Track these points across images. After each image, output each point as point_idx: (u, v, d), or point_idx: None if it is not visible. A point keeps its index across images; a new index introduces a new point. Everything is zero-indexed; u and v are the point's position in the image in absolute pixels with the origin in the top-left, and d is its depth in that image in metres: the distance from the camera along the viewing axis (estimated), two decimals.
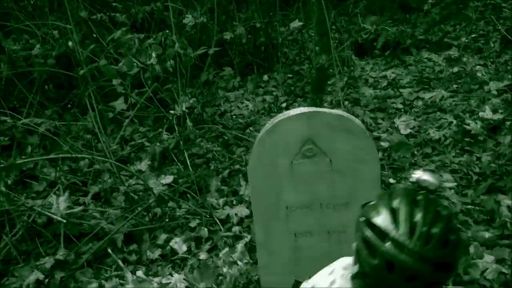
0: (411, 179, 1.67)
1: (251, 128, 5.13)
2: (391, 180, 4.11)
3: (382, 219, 1.45)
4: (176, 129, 4.65)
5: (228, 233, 3.60)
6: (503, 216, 3.46)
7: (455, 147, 4.45)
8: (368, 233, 1.46)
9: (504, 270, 2.93)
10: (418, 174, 1.61)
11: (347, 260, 1.70)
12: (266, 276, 2.81)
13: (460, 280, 2.92)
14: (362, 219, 1.52)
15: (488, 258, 3.03)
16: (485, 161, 4.13)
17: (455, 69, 5.89)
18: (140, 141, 4.82)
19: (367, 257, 1.46)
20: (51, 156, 4.12)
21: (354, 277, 1.57)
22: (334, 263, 1.78)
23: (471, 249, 3.10)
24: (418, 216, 1.43)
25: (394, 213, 1.45)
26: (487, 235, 3.29)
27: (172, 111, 4.72)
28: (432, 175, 1.62)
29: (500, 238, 3.28)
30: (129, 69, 4.64)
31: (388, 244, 1.41)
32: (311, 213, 2.63)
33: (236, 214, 3.80)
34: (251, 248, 3.28)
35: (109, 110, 5.23)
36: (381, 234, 1.44)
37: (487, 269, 2.95)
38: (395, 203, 1.48)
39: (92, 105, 4.53)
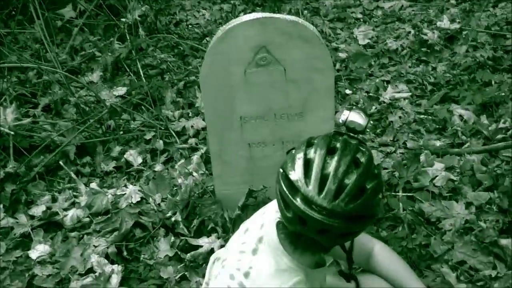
0: (337, 120, 1.63)
1: (208, 38, 4.97)
2: (347, 91, 4.10)
3: (295, 173, 1.44)
4: (128, 38, 4.46)
5: (184, 145, 3.57)
6: (455, 125, 3.53)
7: (412, 57, 4.45)
8: (283, 186, 1.46)
9: (452, 177, 3.02)
10: (346, 115, 1.57)
11: None
12: (220, 186, 2.82)
13: (410, 188, 3.00)
14: (280, 171, 1.50)
15: (438, 165, 3.11)
16: (440, 71, 4.16)
17: None
18: (90, 51, 4.62)
19: (282, 209, 1.47)
20: None
21: (277, 224, 1.58)
22: (269, 204, 1.77)
23: (422, 158, 3.17)
24: (330, 168, 1.41)
25: (307, 165, 1.44)
26: (438, 143, 3.37)
27: (123, 19, 4.50)
28: (360, 115, 1.57)
29: (451, 146, 3.36)
30: None
31: (298, 200, 1.41)
32: (265, 123, 2.60)
33: (192, 126, 3.75)
34: (207, 160, 3.26)
35: (57, 18, 4.96)
36: (293, 188, 1.43)
37: (436, 176, 3.03)
38: (311, 153, 1.46)
39: (37, 13, 4.27)
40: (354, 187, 1.40)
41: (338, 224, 1.39)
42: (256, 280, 1.56)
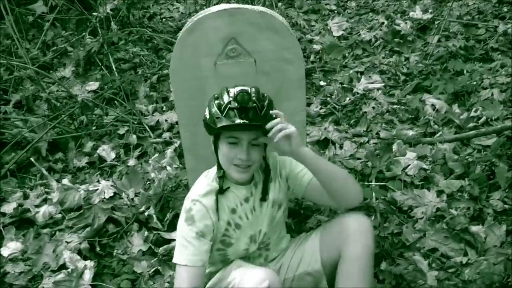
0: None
1: None
2: (322, 83, 4.11)
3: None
4: (100, 32, 4.40)
5: (158, 140, 3.55)
6: (427, 114, 3.56)
7: (385, 48, 4.48)
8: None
9: (424, 166, 3.04)
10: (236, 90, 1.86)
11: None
12: (194, 180, 2.77)
13: (382, 177, 3.02)
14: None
15: (410, 155, 3.13)
16: (413, 61, 4.19)
17: None
18: (62, 46, 4.55)
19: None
20: None
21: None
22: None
23: (395, 147, 3.19)
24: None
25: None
26: (410, 133, 3.39)
27: (95, 13, 4.44)
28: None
29: (424, 136, 3.39)
30: None
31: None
32: None
33: (166, 120, 3.73)
34: (181, 154, 3.24)
35: (28, 13, 4.88)
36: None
37: (408, 165, 3.06)
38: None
39: (6, 8, 4.19)
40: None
41: None
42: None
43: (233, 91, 1.84)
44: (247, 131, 1.85)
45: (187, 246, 1.87)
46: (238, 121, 1.80)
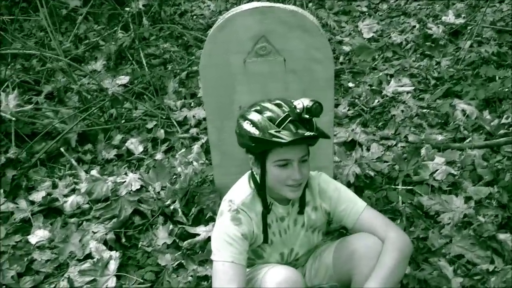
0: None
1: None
2: (350, 84, 4.09)
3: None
4: (132, 27, 4.46)
5: (185, 135, 3.58)
6: (457, 120, 3.52)
7: (416, 52, 4.44)
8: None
9: (453, 172, 3.01)
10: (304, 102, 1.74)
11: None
12: (219, 175, 2.82)
13: (409, 181, 2.99)
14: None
15: (439, 160, 3.09)
16: (444, 66, 4.14)
17: None
18: (94, 39, 4.62)
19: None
20: None
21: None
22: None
23: (423, 151, 3.16)
24: None
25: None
26: (439, 138, 3.35)
27: (127, 9, 4.50)
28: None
29: (453, 141, 3.35)
30: None
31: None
32: None
33: (193, 116, 3.76)
34: (207, 150, 3.26)
35: (62, 6, 4.97)
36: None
37: (437, 170, 3.02)
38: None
39: (42, 1, 4.27)
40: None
41: None
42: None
43: (300, 103, 1.73)
44: (296, 150, 1.77)
45: (232, 244, 1.81)
46: (307, 133, 1.71)
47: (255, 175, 1.89)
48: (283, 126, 1.72)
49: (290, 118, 1.73)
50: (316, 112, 1.72)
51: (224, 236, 1.82)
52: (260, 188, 1.87)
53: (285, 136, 1.70)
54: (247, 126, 1.79)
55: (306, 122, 1.74)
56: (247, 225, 1.85)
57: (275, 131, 1.71)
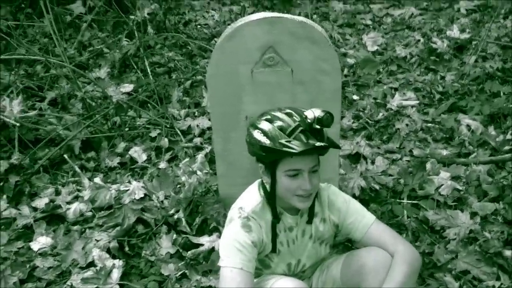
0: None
1: (216, 39, 4.97)
2: (355, 97, 4.09)
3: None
4: (137, 35, 4.46)
5: (189, 144, 3.57)
6: (462, 135, 3.51)
7: (420, 66, 4.44)
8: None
9: (458, 187, 2.99)
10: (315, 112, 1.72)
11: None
12: (224, 186, 2.80)
13: (415, 195, 2.98)
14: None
15: (444, 174, 3.08)
16: (449, 80, 4.14)
17: None
18: (98, 47, 4.63)
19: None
20: (3, 56, 3.92)
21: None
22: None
23: (428, 166, 3.15)
24: None
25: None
26: (444, 152, 3.34)
27: (132, 17, 4.51)
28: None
29: (458, 156, 3.34)
30: None
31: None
32: None
33: (197, 126, 3.75)
34: (211, 159, 3.25)
35: (66, 13, 4.98)
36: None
37: (442, 185, 3.01)
38: None
39: (47, 7, 4.28)
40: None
41: None
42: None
43: (311, 112, 1.72)
44: (307, 160, 1.76)
45: (241, 250, 1.78)
46: (318, 143, 1.69)
47: (265, 184, 1.88)
48: (293, 136, 1.71)
49: (301, 128, 1.72)
50: (327, 122, 1.70)
51: (234, 242, 1.80)
52: (270, 197, 1.86)
53: (295, 146, 1.68)
54: (257, 135, 1.78)
55: (316, 132, 1.72)
56: (257, 233, 1.84)
57: (286, 141, 1.70)
